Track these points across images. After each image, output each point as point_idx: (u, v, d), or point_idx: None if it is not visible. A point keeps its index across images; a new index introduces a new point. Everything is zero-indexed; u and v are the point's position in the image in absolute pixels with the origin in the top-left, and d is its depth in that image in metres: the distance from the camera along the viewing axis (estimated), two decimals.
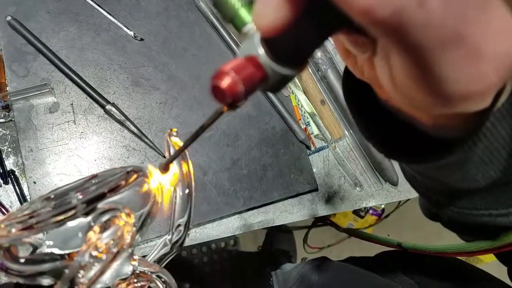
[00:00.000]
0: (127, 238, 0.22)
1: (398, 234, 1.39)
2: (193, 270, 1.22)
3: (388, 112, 0.26)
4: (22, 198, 0.54)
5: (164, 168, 0.27)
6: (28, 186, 0.54)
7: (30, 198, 0.54)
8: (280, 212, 0.63)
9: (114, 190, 0.24)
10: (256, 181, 0.62)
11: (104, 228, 0.22)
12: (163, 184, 0.28)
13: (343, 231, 1.03)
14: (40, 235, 0.24)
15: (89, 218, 0.22)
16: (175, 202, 0.29)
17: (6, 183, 0.54)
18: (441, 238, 1.44)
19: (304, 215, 0.64)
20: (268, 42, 0.18)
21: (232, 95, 0.17)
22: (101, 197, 0.23)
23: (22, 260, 0.24)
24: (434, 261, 0.58)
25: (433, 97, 0.17)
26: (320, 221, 1.29)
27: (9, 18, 0.56)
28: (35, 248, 0.25)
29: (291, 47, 0.18)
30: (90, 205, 0.23)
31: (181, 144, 0.28)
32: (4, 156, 0.55)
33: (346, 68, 0.27)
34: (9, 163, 0.55)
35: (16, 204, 0.54)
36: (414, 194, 0.66)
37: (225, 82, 0.17)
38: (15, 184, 0.54)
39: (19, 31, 0.56)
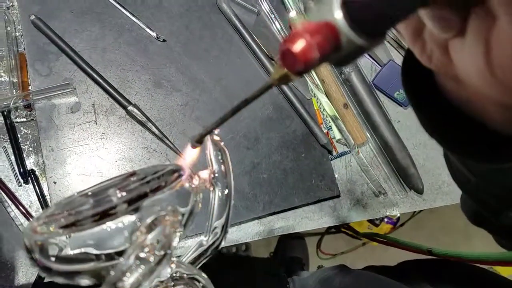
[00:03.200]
0: (175, 239, 0.21)
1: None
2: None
3: (452, 105, 0.24)
4: (42, 198, 0.53)
5: (197, 141, 0.26)
6: (48, 186, 0.53)
7: (50, 198, 0.53)
8: (300, 218, 0.62)
9: (156, 189, 0.23)
10: (277, 185, 0.61)
11: (150, 228, 0.20)
12: (203, 183, 0.26)
13: (364, 236, 1.00)
14: (64, 238, 0.23)
15: (134, 217, 0.21)
16: (214, 203, 0.28)
17: (26, 182, 0.53)
18: (457, 249, 1.40)
19: (325, 222, 0.62)
20: (348, 5, 0.16)
21: (305, 61, 0.16)
22: (143, 196, 0.22)
23: (53, 259, 0.23)
24: (462, 270, 0.56)
25: None
26: (334, 228, 1.27)
27: (33, 17, 0.55)
28: (60, 249, 0.24)
29: (375, 14, 0.16)
30: (131, 205, 0.22)
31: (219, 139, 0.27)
32: (25, 156, 0.54)
33: (407, 55, 0.25)
34: (30, 163, 0.54)
35: (36, 204, 0.53)
36: (439, 203, 0.65)
37: (299, 46, 0.15)
38: (35, 184, 0.53)
39: (43, 30, 0.56)
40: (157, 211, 0.21)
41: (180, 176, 0.25)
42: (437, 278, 0.57)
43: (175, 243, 0.21)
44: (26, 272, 0.51)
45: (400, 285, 0.54)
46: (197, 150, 0.27)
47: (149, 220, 0.20)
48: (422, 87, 0.26)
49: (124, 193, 0.22)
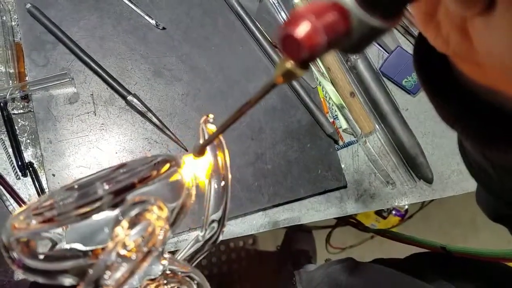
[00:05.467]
0: (160, 235, 0.19)
1: (422, 236, 1.33)
2: (210, 269, 1.20)
3: (471, 93, 0.22)
4: (40, 191, 0.52)
5: (199, 152, 0.24)
6: (46, 179, 0.52)
7: (48, 191, 0.52)
8: (306, 209, 0.60)
9: (144, 180, 0.21)
10: (281, 176, 0.59)
11: (133, 223, 0.19)
12: (197, 175, 0.25)
13: (376, 232, 0.97)
14: (60, 230, 0.22)
15: (117, 211, 0.19)
16: (209, 195, 0.26)
17: (24, 175, 0.52)
18: (466, 242, 1.38)
19: (331, 213, 0.60)
20: None
21: (310, 48, 0.13)
22: (130, 187, 0.21)
23: (41, 257, 0.21)
24: (475, 265, 0.53)
25: None
26: (343, 221, 1.25)
27: (28, 5, 0.54)
28: (54, 243, 0.23)
29: None
30: (117, 197, 0.20)
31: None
32: (22, 148, 0.53)
33: (418, 41, 0.23)
34: (28, 155, 0.53)
35: (35, 197, 0.52)
36: (449, 193, 0.62)
37: (303, 30, 0.13)
38: (34, 176, 0.52)
39: (39, 19, 0.54)
40: (142, 205, 0.19)
41: (171, 167, 0.23)
42: (448, 271, 0.55)
43: (160, 240, 0.19)
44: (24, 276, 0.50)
45: (409, 278, 0.52)
46: (201, 160, 0.25)
47: (131, 214, 0.19)
48: (437, 75, 0.24)
49: (110, 185, 0.21)
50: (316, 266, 0.79)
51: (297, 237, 1.21)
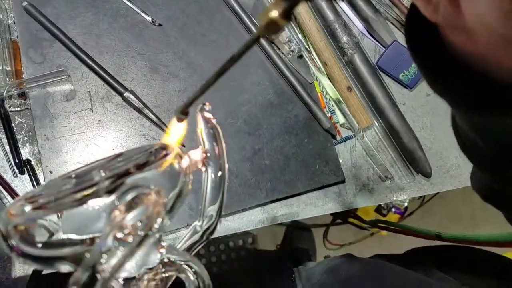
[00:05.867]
0: (157, 220, 0.19)
1: None
2: (210, 268, 1.19)
3: (459, 61, 0.22)
4: None
5: (181, 112, 0.24)
6: (44, 176, 0.52)
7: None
8: (304, 205, 0.60)
9: (141, 167, 0.21)
10: (279, 172, 0.59)
11: (130, 207, 0.19)
12: (193, 163, 0.25)
13: (368, 223, 0.97)
14: (56, 219, 0.22)
15: (113, 196, 0.19)
16: (206, 185, 0.26)
17: (22, 173, 0.52)
18: None
19: (330, 208, 0.60)
20: None
21: None
22: (126, 173, 0.21)
23: (40, 245, 0.21)
24: (472, 256, 0.54)
25: None
26: (340, 218, 1.25)
27: (25, 3, 0.54)
28: (51, 234, 0.23)
29: None
30: (114, 183, 0.20)
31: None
32: (20, 145, 0.53)
33: (410, 11, 0.23)
34: (25, 152, 0.53)
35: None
36: (447, 187, 0.62)
37: None
38: (31, 174, 0.52)
39: (35, 16, 0.54)
40: (139, 189, 0.19)
41: (167, 154, 0.23)
42: (447, 264, 0.55)
43: (158, 225, 0.19)
44: (22, 264, 0.50)
45: (409, 272, 0.52)
46: (183, 124, 0.25)
47: (128, 198, 0.19)
48: (427, 46, 0.24)
49: (107, 172, 0.21)
50: (314, 263, 0.79)
51: (297, 236, 1.21)
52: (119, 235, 0.18)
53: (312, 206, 0.60)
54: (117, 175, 0.20)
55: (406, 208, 1.27)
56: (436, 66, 0.23)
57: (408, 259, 0.65)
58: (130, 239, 0.18)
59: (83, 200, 0.19)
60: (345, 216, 1.24)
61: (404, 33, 0.25)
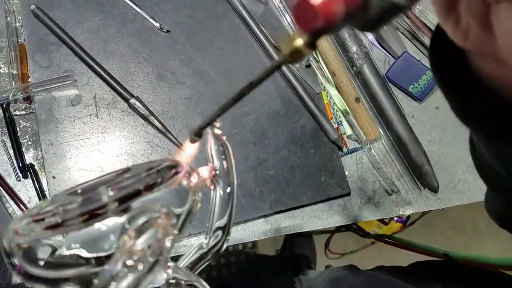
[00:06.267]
0: (167, 244, 0.19)
1: (424, 243, 1.32)
2: (209, 272, 1.19)
3: (483, 87, 0.21)
4: (41, 193, 0.51)
5: (196, 134, 0.24)
6: (47, 181, 0.51)
7: (49, 194, 0.51)
8: (309, 217, 0.59)
9: (150, 187, 0.21)
10: (284, 183, 0.58)
11: (140, 231, 0.18)
12: (203, 180, 0.24)
13: (374, 237, 0.96)
14: (60, 237, 0.21)
15: (123, 218, 0.19)
16: (215, 201, 0.25)
17: (25, 177, 0.51)
18: (468, 249, 1.37)
19: (334, 221, 0.59)
20: None
21: (326, 15, 0.13)
22: (136, 194, 0.20)
23: (42, 263, 0.21)
24: (476, 274, 0.53)
25: None
26: (343, 227, 1.24)
27: (33, 7, 0.54)
28: (54, 249, 0.22)
29: None
30: (123, 204, 0.20)
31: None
32: (24, 150, 0.52)
33: (435, 34, 0.22)
34: (29, 157, 0.53)
35: (35, 199, 0.51)
36: (455, 202, 0.62)
37: None
38: (34, 178, 0.51)
39: (43, 20, 0.54)
40: (149, 213, 0.19)
41: (177, 172, 0.22)
42: (451, 280, 0.54)
43: (167, 248, 0.19)
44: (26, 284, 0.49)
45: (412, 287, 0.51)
46: (196, 145, 0.24)
47: (139, 223, 0.18)
48: (453, 71, 0.23)
49: (115, 191, 0.20)
50: (316, 272, 0.78)
51: (297, 242, 1.20)
52: (129, 262, 0.17)
53: (316, 219, 0.59)
54: (126, 196, 0.19)
55: (408, 217, 1.26)
56: (460, 89, 0.22)
57: (411, 273, 0.64)
58: (140, 266, 0.17)
59: (90, 223, 0.18)
60: (347, 225, 1.23)
61: (428, 56, 0.24)
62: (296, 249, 1.19)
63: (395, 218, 1.22)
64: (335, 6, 0.13)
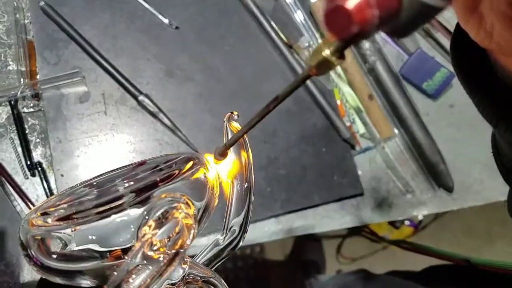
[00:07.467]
0: (189, 235, 0.17)
1: (436, 247, 1.30)
2: None
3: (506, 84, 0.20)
4: (49, 191, 0.50)
5: (221, 154, 0.23)
6: (55, 179, 0.50)
7: (57, 192, 0.50)
8: (320, 217, 0.58)
9: (167, 179, 0.20)
10: (295, 182, 0.57)
11: (160, 221, 0.17)
12: (221, 174, 0.23)
13: (392, 243, 0.94)
14: (69, 231, 0.20)
15: (141, 210, 0.18)
16: (231, 198, 0.24)
17: (33, 175, 0.51)
18: (481, 253, 1.34)
19: (347, 222, 0.58)
20: None
21: (361, 21, 0.12)
22: (153, 186, 0.19)
23: (55, 256, 0.20)
24: (492, 280, 0.51)
25: None
26: (355, 231, 1.22)
27: (42, 3, 0.53)
28: (64, 244, 0.21)
29: None
30: (139, 195, 0.19)
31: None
32: (32, 147, 0.52)
33: (456, 34, 0.22)
34: (37, 155, 0.52)
35: (43, 198, 0.51)
36: (470, 203, 0.60)
37: (354, 1, 0.12)
38: (42, 176, 0.50)
39: (52, 17, 0.53)
40: (168, 203, 0.18)
41: (195, 165, 0.21)
42: (466, 285, 0.53)
43: (188, 240, 0.18)
44: (31, 269, 0.48)
45: None
46: (222, 163, 0.23)
47: (158, 213, 0.17)
48: (474, 66, 0.22)
49: (131, 183, 0.19)
50: (326, 277, 0.77)
51: (306, 247, 1.19)
52: (150, 253, 0.16)
53: (329, 219, 0.58)
54: (143, 188, 0.18)
55: (420, 221, 1.24)
56: (483, 86, 0.22)
57: (425, 278, 0.62)
58: (161, 258, 0.16)
59: (106, 214, 0.17)
60: (358, 229, 1.21)
61: (449, 54, 0.23)
62: (305, 253, 1.18)
63: (407, 222, 1.20)
64: (370, 11, 0.12)
